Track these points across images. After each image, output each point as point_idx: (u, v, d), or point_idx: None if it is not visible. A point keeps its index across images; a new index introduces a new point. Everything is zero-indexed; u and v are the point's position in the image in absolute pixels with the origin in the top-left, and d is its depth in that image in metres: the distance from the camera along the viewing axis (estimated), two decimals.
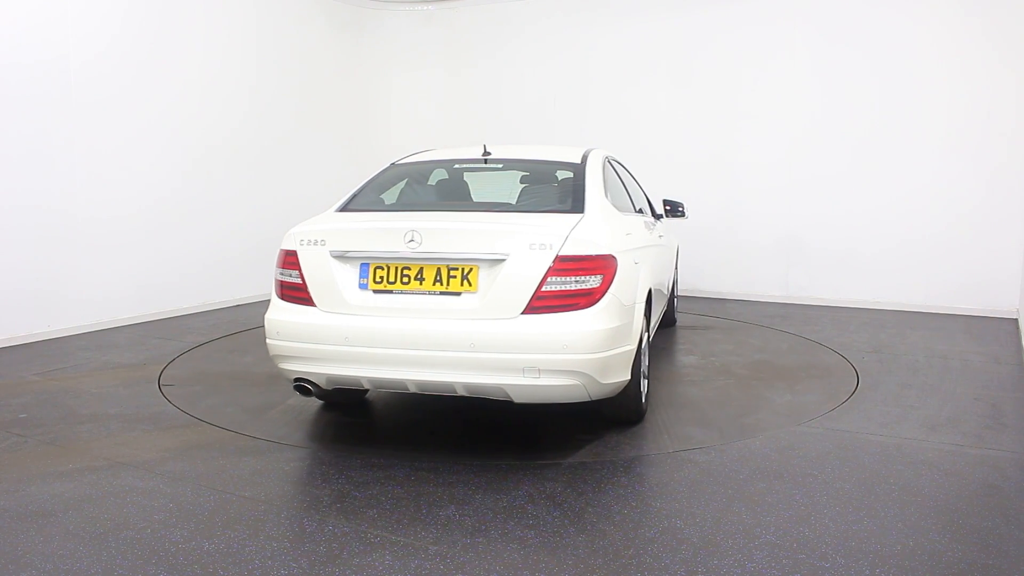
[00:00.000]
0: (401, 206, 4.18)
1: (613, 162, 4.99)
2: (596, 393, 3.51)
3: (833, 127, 7.78)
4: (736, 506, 3.05)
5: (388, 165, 4.71)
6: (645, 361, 4.16)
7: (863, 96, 7.62)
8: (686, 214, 6.09)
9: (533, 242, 3.40)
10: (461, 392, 3.46)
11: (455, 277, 3.46)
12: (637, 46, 8.56)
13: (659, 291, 5.04)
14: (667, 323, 6.66)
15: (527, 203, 4.17)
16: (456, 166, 4.64)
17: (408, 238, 3.47)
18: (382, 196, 4.27)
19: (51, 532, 2.83)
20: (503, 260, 3.41)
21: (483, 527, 2.87)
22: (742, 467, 3.47)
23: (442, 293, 3.46)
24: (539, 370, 3.32)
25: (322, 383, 3.64)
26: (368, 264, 3.57)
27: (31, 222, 6.01)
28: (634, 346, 3.70)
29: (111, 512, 2.99)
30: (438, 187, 4.50)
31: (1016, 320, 7.01)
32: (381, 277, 3.54)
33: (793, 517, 2.94)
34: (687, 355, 5.69)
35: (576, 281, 3.39)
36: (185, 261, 7.26)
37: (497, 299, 3.38)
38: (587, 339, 3.35)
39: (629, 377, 3.70)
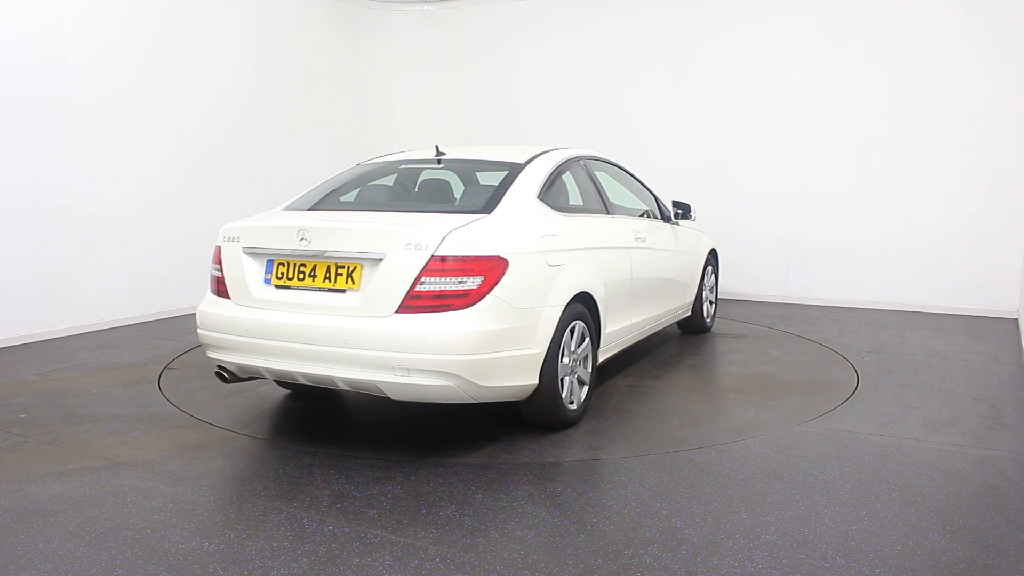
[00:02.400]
0: (329, 205, 4.27)
1: (588, 162, 4.91)
2: (478, 395, 3.49)
3: (834, 128, 7.77)
4: (736, 506, 3.05)
5: (354, 165, 4.89)
6: (584, 367, 4.11)
7: (864, 97, 7.62)
8: (693, 216, 5.98)
9: (409, 242, 3.44)
10: (342, 386, 3.57)
11: (341, 275, 3.57)
12: (637, 46, 8.56)
13: (639, 296, 4.88)
14: (695, 329, 6.40)
15: (442, 203, 4.21)
16: (403, 167, 4.71)
17: (299, 236, 3.63)
18: (325, 196, 4.39)
19: (51, 532, 2.83)
20: (381, 259, 3.47)
21: (483, 527, 2.87)
22: (742, 467, 3.47)
23: (330, 290, 3.59)
24: (408, 369, 3.35)
25: (235, 371, 3.86)
26: (272, 260, 3.76)
27: (31, 221, 6.01)
28: (538, 350, 3.65)
29: (111, 512, 2.99)
30: (378, 188, 4.53)
31: (1016, 320, 7.01)
32: (282, 273, 3.72)
33: (793, 517, 2.94)
34: (689, 364, 5.60)
35: (456, 282, 3.40)
36: (185, 260, 7.25)
37: (374, 297, 3.45)
38: (457, 340, 3.34)
39: (534, 382, 3.67)
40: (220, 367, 3.91)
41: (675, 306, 5.73)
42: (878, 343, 6.09)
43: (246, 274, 3.79)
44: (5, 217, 5.85)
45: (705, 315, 6.44)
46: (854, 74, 7.64)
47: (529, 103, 9.12)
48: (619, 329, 4.64)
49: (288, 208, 4.31)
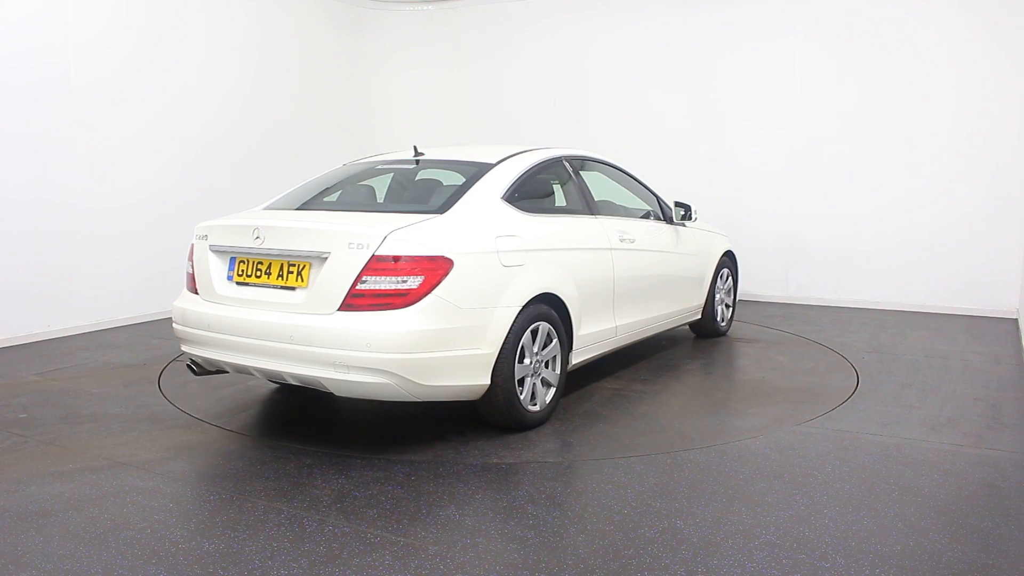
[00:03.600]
0: (296, 205, 4.34)
1: (575, 162, 4.86)
2: (420, 394, 3.52)
3: (834, 127, 7.77)
4: (736, 506, 3.05)
5: (340, 165, 5.03)
6: (552, 369, 4.08)
7: (865, 96, 7.62)
8: (694, 217, 5.78)
9: (352, 241, 3.50)
10: (291, 381, 3.67)
11: (292, 272, 3.68)
12: (637, 44, 8.56)
13: (626, 298, 4.79)
14: (707, 333, 6.22)
15: (403, 204, 4.31)
16: (379, 167, 4.78)
17: (255, 235, 3.77)
18: (299, 195, 4.49)
19: (51, 532, 2.83)
20: (326, 258, 3.54)
21: (483, 527, 2.87)
22: (742, 467, 3.47)
23: (282, 287, 3.69)
24: (347, 366, 3.42)
25: (203, 364, 4.02)
26: (235, 258, 3.89)
27: (31, 222, 6.01)
28: (489, 351, 3.66)
29: (111, 512, 2.99)
30: (350, 188, 4.58)
31: (1016, 320, 7.01)
32: (243, 270, 3.85)
33: (793, 517, 2.94)
34: (686, 368, 5.46)
35: (397, 281, 3.44)
36: (185, 260, 7.25)
37: (319, 295, 3.53)
38: (394, 339, 3.38)
39: (485, 382, 3.68)
40: (191, 360, 4.07)
41: (677, 309, 5.60)
42: (878, 343, 6.09)
43: (211, 271, 3.94)
44: (6, 218, 5.86)
45: (719, 318, 6.27)
46: (855, 74, 7.64)
47: (529, 102, 9.12)
48: (598, 332, 4.55)
49: (268, 207, 4.42)
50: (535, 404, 3.99)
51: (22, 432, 3.95)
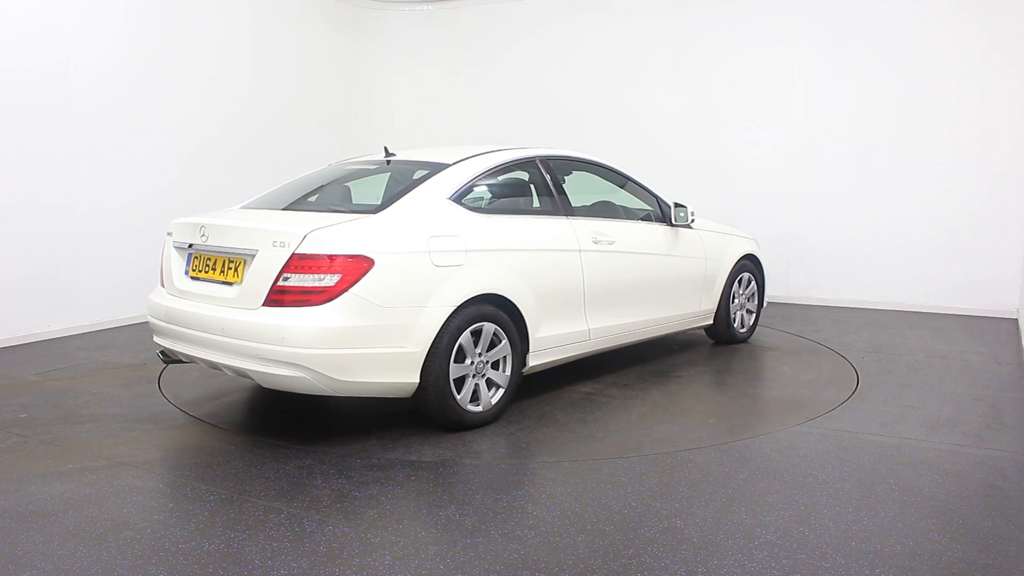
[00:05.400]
0: (266, 205, 4.50)
1: (555, 163, 4.79)
2: (339, 389, 3.61)
3: (834, 127, 7.77)
4: (736, 506, 3.05)
5: (326, 165, 5.20)
6: (501, 371, 4.05)
7: (866, 97, 7.62)
8: (692, 218, 5.54)
9: (275, 240, 3.65)
10: (228, 372, 3.83)
11: (231, 269, 3.84)
12: (638, 45, 8.56)
13: (602, 301, 4.66)
14: (723, 339, 5.96)
15: (347, 204, 4.43)
16: (348, 167, 4.90)
17: (200, 233, 4.00)
18: (270, 197, 4.64)
19: (51, 532, 2.83)
20: (255, 255, 3.70)
21: (483, 527, 2.87)
22: (742, 467, 3.47)
23: (222, 282, 3.87)
24: (266, 359, 3.57)
25: (169, 353, 4.21)
26: (192, 254, 4.09)
27: (31, 221, 6.01)
28: (415, 349, 3.68)
29: (111, 512, 2.99)
30: (316, 189, 4.64)
31: (1016, 320, 7.01)
32: (196, 266, 4.05)
33: (793, 517, 2.94)
34: (677, 375, 5.21)
35: (315, 279, 3.55)
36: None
37: (249, 290, 3.69)
38: (307, 334, 3.48)
39: (413, 380, 3.72)
40: (161, 349, 4.28)
41: (676, 313, 5.39)
42: (878, 343, 6.09)
43: (172, 266, 4.17)
44: (5, 217, 5.85)
45: (738, 324, 5.99)
46: (856, 74, 7.64)
47: (529, 103, 9.11)
48: (564, 335, 4.45)
49: (243, 207, 4.61)
50: (477, 404, 3.97)
51: (22, 432, 3.95)
